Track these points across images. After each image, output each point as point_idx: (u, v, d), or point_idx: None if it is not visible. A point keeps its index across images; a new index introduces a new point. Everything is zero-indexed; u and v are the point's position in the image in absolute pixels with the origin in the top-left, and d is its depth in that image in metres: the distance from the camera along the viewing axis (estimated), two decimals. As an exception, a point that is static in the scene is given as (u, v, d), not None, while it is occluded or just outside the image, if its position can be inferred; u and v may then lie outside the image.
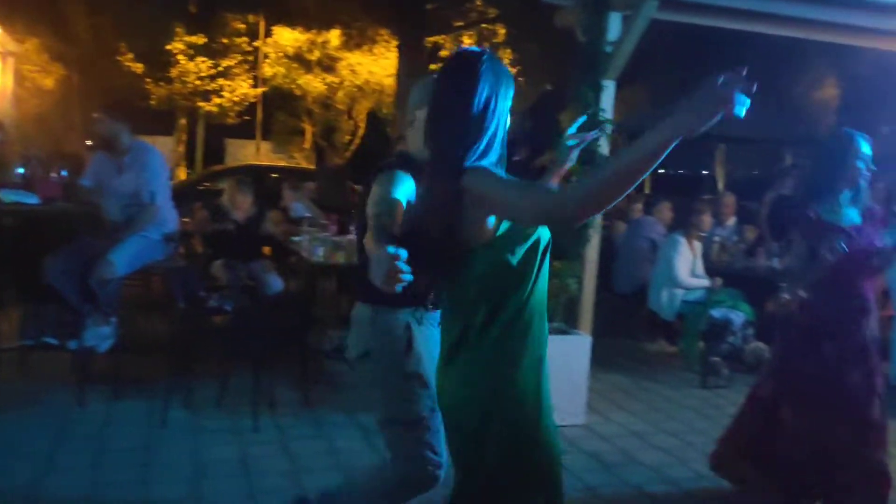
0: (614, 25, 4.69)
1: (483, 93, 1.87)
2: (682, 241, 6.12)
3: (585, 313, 4.94)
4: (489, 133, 1.88)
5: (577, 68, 4.70)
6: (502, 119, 1.92)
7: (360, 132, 23.46)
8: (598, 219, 4.70)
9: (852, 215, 3.33)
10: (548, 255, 1.94)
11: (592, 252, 4.87)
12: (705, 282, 6.17)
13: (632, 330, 6.87)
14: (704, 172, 21.76)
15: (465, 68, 1.91)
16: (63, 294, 4.55)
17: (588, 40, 4.61)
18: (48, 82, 16.45)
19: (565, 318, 4.75)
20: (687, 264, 6.11)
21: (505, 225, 1.87)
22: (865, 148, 3.29)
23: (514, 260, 1.86)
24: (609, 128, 4.64)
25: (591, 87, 4.56)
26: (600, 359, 5.05)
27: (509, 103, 1.94)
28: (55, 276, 4.50)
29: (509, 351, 1.89)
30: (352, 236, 5.57)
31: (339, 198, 8.36)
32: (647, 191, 17.65)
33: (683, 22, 5.46)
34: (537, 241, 1.89)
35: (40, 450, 3.76)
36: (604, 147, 4.68)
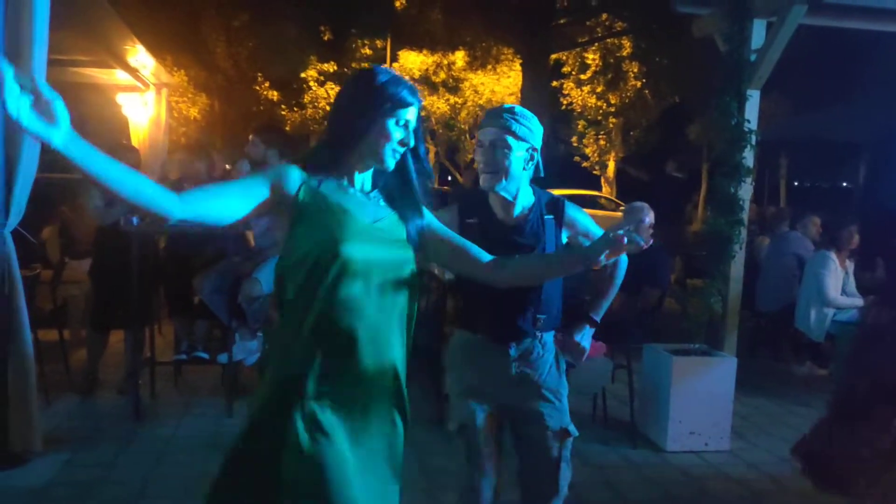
0: (758, 33, 4.50)
1: None
2: (833, 257, 5.76)
3: (730, 334, 4.72)
4: None
5: (718, 78, 4.53)
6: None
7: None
8: (743, 234, 4.49)
9: None
10: None
11: (737, 269, 4.64)
12: (858, 301, 5.77)
13: (777, 351, 6.52)
14: (844, 185, 20.44)
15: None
16: (213, 311, 4.78)
17: (730, 49, 4.44)
18: (193, 111, 17.55)
19: (708, 339, 4.55)
20: (837, 282, 5.74)
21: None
22: None
23: None
24: (754, 138, 4.44)
25: (735, 98, 4.38)
26: (745, 382, 4.81)
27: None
28: (206, 294, 4.74)
29: None
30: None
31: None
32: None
33: (832, 26, 5.17)
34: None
35: (192, 458, 3.96)
36: (748, 159, 4.48)
